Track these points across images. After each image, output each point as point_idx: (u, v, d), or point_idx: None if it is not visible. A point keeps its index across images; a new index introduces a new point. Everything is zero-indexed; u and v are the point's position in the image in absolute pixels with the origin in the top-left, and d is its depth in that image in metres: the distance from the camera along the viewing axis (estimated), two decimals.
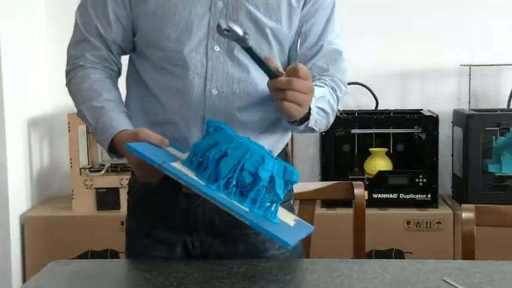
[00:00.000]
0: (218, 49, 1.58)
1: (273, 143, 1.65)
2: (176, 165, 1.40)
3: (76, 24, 1.67)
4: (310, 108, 1.53)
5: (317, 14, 1.66)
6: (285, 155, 1.72)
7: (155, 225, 1.66)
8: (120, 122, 1.55)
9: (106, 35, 1.63)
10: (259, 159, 1.36)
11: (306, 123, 1.55)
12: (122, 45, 1.66)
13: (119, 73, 1.71)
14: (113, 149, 1.55)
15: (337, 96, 1.66)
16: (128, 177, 1.78)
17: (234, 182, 1.37)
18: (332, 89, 1.65)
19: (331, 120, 1.66)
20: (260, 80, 1.58)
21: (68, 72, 1.68)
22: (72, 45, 1.68)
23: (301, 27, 1.65)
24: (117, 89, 1.66)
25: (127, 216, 1.75)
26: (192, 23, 1.57)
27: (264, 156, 1.36)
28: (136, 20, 1.62)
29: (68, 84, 1.68)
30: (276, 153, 1.64)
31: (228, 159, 1.36)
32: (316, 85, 1.58)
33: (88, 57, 1.64)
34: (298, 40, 1.60)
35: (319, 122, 1.60)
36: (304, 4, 1.65)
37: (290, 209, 1.71)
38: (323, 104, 1.60)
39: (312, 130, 1.61)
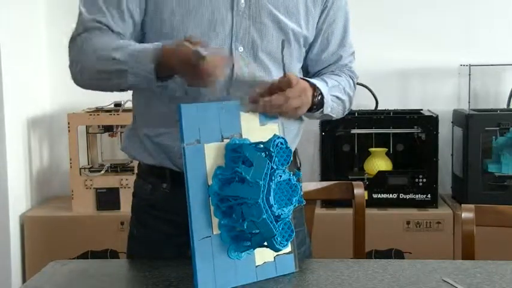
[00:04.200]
0: (242, 49, 1.58)
1: (290, 139, 1.65)
2: (210, 148, 1.40)
3: (80, 17, 1.58)
4: (324, 97, 1.59)
5: (336, 19, 1.72)
6: (295, 155, 1.73)
7: (162, 228, 1.64)
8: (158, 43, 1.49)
9: (116, 27, 1.57)
10: (257, 214, 1.35)
11: (321, 109, 1.61)
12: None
13: None
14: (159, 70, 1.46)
15: (353, 82, 1.76)
16: (128, 177, 1.77)
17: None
18: (349, 76, 1.75)
19: (348, 106, 1.75)
20: None
21: (73, 56, 1.58)
22: (74, 37, 1.58)
23: (323, 33, 1.71)
24: None
25: (131, 218, 1.74)
26: (215, 24, 1.56)
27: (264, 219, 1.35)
28: (154, 21, 1.57)
29: (80, 49, 1.56)
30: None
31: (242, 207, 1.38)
32: (333, 73, 1.71)
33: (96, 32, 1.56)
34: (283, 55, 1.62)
35: (335, 108, 1.68)
36: (323, 10, 1.69)
37: (300, 211, 1.71)
38: (337, 92, 1.67)
39: (330, 116, 1.69)
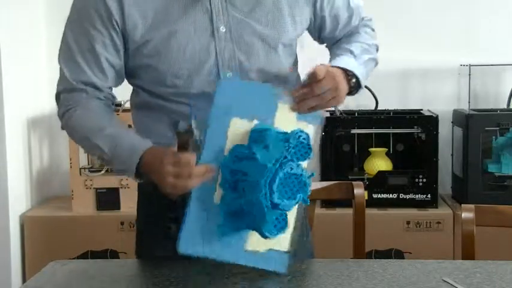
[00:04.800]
0: (231, 75, 1.56)
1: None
2: (236, 123, 1.41)
3: (62, 74, 1.58)
4: (356, 76, 1.57)
5: (336, 1, 1.69)
6: None
7: (165, 225, 1.64)
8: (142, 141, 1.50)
9: (100, 83, 1.57)
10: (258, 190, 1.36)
11: (360, 88, 1.60)
12: (114, 86, 1.62)
13: (113, 104, 1.66)
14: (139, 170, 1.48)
15: (371, 29, 1.76)
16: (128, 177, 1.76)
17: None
18: (365, 26, 1.75)
19: (377, 55, 1.73)
20: None
21: (62, 114, 1.60)
22: (61, 93, 1.60)
23: (328, 15, 1.68)
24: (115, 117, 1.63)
25: (137, 217, 1.73)
26: (199, 57, 1.54)
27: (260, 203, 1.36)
28: (137, 62, 1.57)
29: (66, 123, 1.59)
30: None
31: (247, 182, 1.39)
32: (351, 34, 1.70)
33: (83, 98, 1.57)
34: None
35: (369, 71, 1.67)
36: None
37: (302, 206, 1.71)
38: (366, 54, 1.67)
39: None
